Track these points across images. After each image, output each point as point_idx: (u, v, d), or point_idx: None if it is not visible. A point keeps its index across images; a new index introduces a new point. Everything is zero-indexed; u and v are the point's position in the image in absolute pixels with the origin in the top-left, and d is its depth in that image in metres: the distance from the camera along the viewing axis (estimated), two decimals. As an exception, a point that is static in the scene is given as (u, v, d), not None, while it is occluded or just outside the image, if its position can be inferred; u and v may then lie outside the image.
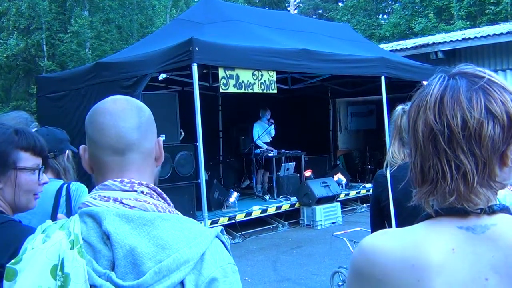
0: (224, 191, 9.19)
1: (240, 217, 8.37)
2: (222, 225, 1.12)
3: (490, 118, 0.90)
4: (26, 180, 1.63)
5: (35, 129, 2.42)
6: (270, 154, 10.17)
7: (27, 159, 1.64)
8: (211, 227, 1.18)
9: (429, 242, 0.92)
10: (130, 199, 1.10)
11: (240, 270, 1.14)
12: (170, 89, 9.95)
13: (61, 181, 2.37)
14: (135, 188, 1.12)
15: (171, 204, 1.18)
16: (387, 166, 2.52)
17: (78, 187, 2.33)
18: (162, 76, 7.22)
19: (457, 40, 12.47)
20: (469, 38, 12.25)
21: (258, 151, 10.23)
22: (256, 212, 8.67)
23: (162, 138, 1.26)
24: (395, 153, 2.47)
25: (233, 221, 8.16)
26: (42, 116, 8.85)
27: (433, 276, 0.88)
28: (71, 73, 9.09)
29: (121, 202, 1.09)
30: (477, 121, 0.90)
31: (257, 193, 10.25)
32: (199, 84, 7.04)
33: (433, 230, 0.94)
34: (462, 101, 0.92)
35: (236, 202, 8.96)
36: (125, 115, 1.15)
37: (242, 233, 8.28)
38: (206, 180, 7.35)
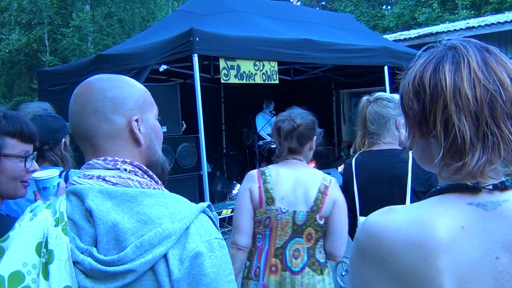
0: (227, 183, 9.16)
1: (243, 209, 8.32)
2: (209, 203, 1.10)
3: None
4: (11, 167, 1.58)
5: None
6: (273, 146, 10.12)
7: (14, 146, 1.58)
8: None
9: (437, 218, 0.86)
10: (113, 176, 1.09)
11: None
12: (171, 81, 9.91)
13: (60, 169, 2.32)
14: (118, 166, 1.11)
15: (159, 182, 1.17)
16: (353, 156, 2.63)
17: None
18: (163, 67, 7.15)
19: (461, 29, 12.34)
20: (473, 27, 12.12)
21: (261, 143, 10.19)
22: (259, 204, 8.61)
23: (134, 117, 1.18)
24: (360, 143, 2.61)
25: (236, 213, 8.12)
26: (44, 109, 8.82)
27: (440, 255, 0.82)
28: (73, 66, 9.05)
29: (104, 179, 1.08)
30: None
31: (260, 185, 10.19)
32: (200, 76, 6.98)
33: (441, 206, 0.88)
34: (506, 63, 0.90)
35: (239, 194, 8.93)
36: (84, 100, 1.13)
37: (246, 225, 8.24)
38: (209, 173, 7.31)
